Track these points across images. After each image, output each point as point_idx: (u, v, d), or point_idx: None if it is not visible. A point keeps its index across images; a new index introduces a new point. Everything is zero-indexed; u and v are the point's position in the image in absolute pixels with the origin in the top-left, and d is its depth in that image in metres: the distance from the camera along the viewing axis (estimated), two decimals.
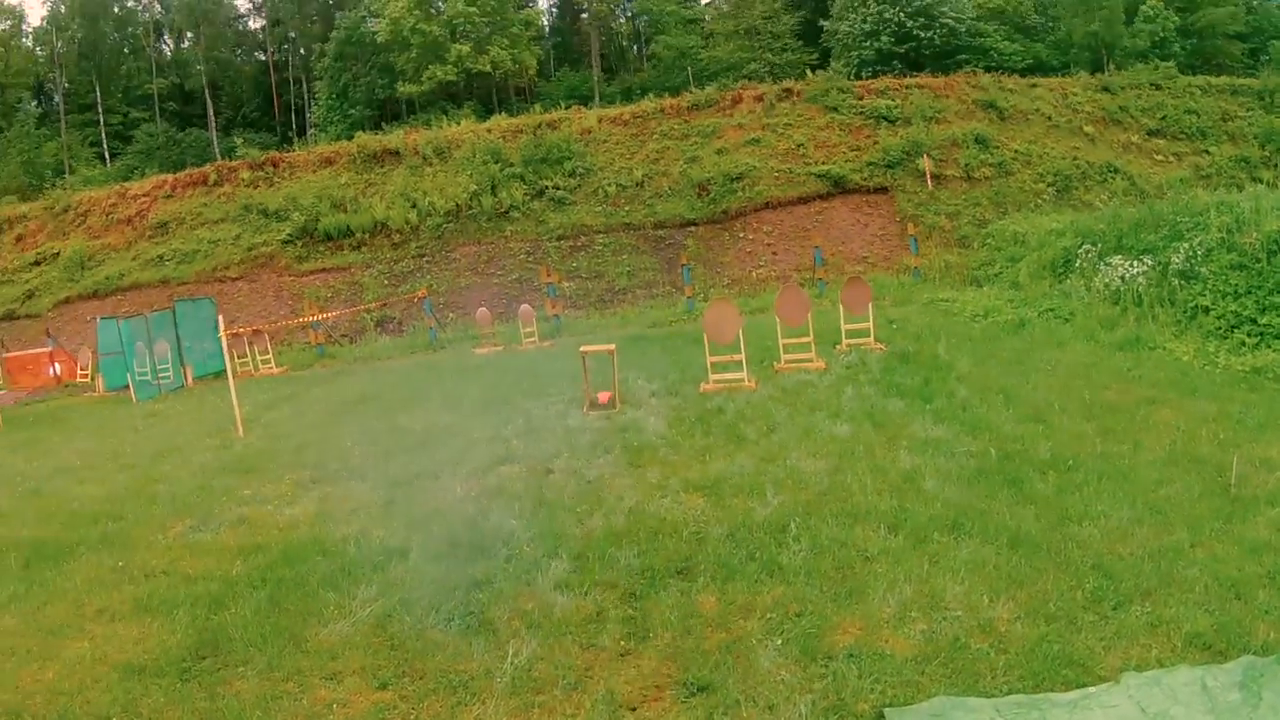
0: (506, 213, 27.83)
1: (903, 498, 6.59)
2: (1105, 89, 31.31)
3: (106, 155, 52.61)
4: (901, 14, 37.53)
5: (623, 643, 4.82)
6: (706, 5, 57.62)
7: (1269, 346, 10.21)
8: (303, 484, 9.03)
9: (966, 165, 26.88)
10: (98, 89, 53.75)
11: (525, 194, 28.16)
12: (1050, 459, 7.15)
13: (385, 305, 25.17)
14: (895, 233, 25.28)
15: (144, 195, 32.54)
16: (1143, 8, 38.83)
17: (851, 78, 33.17)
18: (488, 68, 46.60)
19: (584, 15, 59.18)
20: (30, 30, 56.98)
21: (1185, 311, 11.98)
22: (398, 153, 30.87)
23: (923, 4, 37.36)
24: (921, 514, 6.18)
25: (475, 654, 4.82)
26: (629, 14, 59.69)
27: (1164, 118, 30.31)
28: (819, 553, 5.69)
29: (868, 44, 38.24)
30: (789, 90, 30.73)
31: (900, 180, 26.74)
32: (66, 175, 45.44)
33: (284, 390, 17.11)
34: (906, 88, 30.23)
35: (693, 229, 26.53)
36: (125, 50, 58.42)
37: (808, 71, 34.75)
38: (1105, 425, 8.01)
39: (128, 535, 7.78)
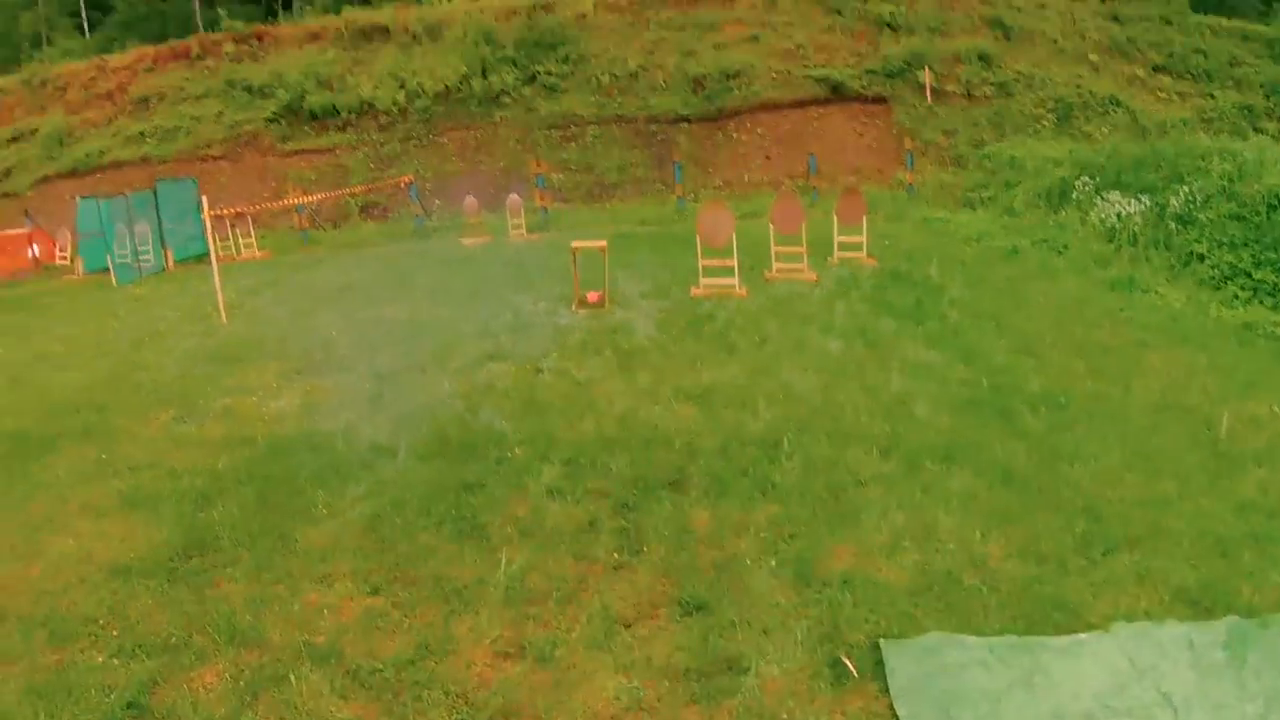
0: (497, 98, 27.05)
1: (895, 421, 6.61)
2: (1114, 18, 30.58)
3: (86, 26, 50.03)
4: None
5: (616, 555, 4.82)
6: None
7: (1261, 302, 10.22)
8: (287, 375, 8.90)
9: (968, 82, 26.35)
10: None
11: (516, 79, 27.33)
12: (1041, 393, 7.18)
13: (371, 190, 24.56)
14: (891, 146, 24.90)
15: (124, 68, 31.15)
16: None
17: None
18: None
19: None
20: None
21: (1179, 257, 11.94)
22: (387, 30, 29.65)
23: None
24: (914, 440, 6.20)
25: (467, 560, 4.80)
26: None
27: (1171, 54, 29.73)
28: (812, 472, 5.71)
29: None
30: None
31: (899, 92, 26.21)
32: (44, 47, 43.41)
33: (267, 276, 16.78)
34: None
35: (686, 125, 25.97)
36: None
37: None
38: (1096, 364, 8.03)
39: (110, 426, 7.62)
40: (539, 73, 27.40)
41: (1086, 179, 15.95)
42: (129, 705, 3.72)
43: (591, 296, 11.15)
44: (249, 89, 28.61)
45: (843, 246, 13.60)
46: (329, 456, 6.40)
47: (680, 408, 7.15)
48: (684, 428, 6.67)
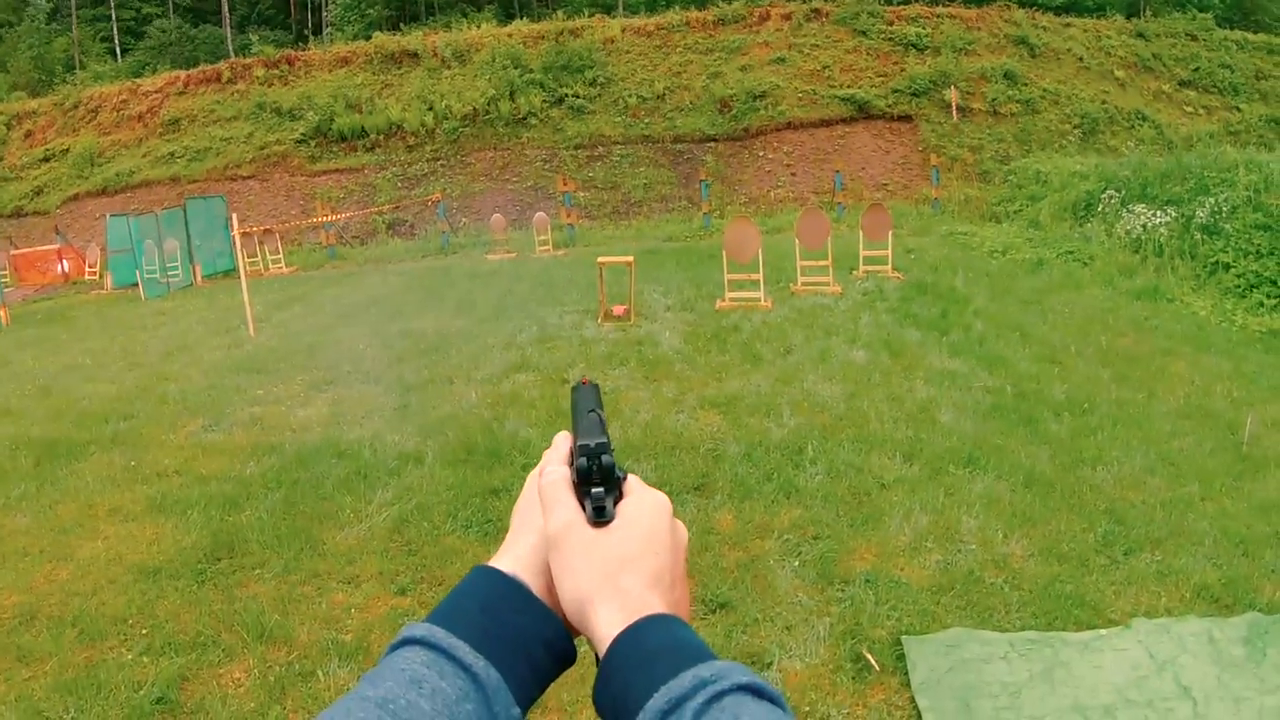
0: (524, 119, 27.35)
1: (918, 428, 6.64)
2: (1140, 35, 30.59)
3: (118, 51, 51.01)
4: None
5: None
6: None
7: None
8: (315, 385, 9.03)
9: (993, 100, 26.42)
10: None
11: (544, 101, 27.63)
12: (1065, 401, 7.19)
13: (398, 208, 24.90)
14: (916, 162, 24.96)
15: (156, 91, 31.79)
16: None
17: (882, 2, 32.36)
18: None
19: None
20: None
21: (1205, 266, 11.89)
22: (416, 54, 30.18)
23: None
24: (937, 445, 6.23)
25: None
26: None
27: (1197, 69, 29.68)
28: (835, 477, 5.76)
29: None
30: (818, 10, 29.93)
31: (924, 110, 26.31)
32: (77, 71, 44.09)
33: (294, 290, 17.00)
34: (938, 16, 29.49)
35: (712, 145, 26.17)
36: None
37: None
38: (1120, 372, 8.02)
39: (139, 434, 7.74)
40: (566, 95, 27.67)
41: (1112, 192, 15.91)
42: (159, 700, 3.78)
43: (617, 310, 11.24)
44: (279, 111, 29.05)
45: (868, 261, 13.65)
46: (356, 463, 6.48)
47: (705, 415, 7.21)
48: (709, 434, 6.73)
